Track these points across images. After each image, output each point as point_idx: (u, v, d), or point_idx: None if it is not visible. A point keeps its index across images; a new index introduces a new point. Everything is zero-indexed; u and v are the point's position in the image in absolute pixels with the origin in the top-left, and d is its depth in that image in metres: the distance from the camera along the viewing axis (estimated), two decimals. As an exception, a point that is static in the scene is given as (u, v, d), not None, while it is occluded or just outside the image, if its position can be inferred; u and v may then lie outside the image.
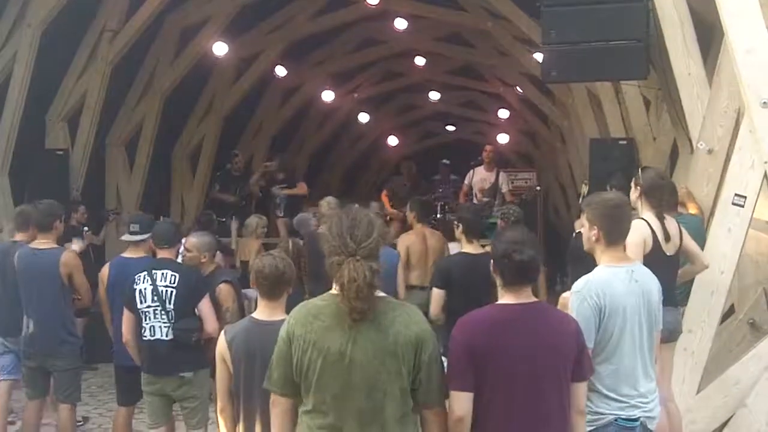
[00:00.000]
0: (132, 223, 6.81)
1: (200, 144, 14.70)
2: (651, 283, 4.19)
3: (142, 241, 6.60)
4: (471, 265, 6.48)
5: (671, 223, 5.70)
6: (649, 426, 4.11)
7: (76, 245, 8.71)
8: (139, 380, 6.17)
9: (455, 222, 7.06)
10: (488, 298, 6.09)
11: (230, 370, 4.35)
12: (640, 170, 6.03)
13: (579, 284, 4.08)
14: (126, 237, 6.76)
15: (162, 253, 6.14)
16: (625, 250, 4.31)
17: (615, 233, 4.15)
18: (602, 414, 4.02)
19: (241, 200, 13.18)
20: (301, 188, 13.31)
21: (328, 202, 8.58)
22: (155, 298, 5.80)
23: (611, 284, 4.04)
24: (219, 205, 12.74)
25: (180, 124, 14.42)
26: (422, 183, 14.04)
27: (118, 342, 6.48)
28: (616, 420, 4.02)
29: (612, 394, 4.02)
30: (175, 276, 5.83)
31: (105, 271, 6.69)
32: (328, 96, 17.16)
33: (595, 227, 4.16)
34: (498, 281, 3.60)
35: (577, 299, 4.02)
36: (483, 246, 6.72)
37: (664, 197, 5.77)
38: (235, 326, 4.52)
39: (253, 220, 10.41)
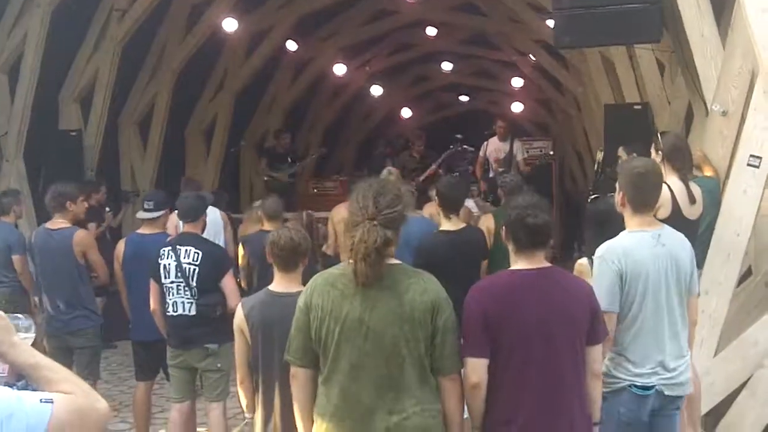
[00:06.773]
0: (146, 200, 6.81)
1: (213, 121, 14.69)
2: (680, 247, 4.14)
3: (157, 218, 6.63)
4: (452, 243, 6.15)
5: (695, 186, 5.66)
6: (668, 393, 4.06)
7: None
8: (155, 355, 6.26)
9: (433, 195, 6.45)
10: (470, 276, 6.04)
11: (248, 342, 4.37)
12: (659, 135, 5.98)
13: (601, 249, 4.09)
14: (141, 214, 6.77)
15: (187, 228, 6.15)
16: (654, 215, 4.28)
17: (638, 200, 4.14)
18: (618, 379, 4.03)
19: (290, 178, 13.71)
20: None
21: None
22: (179, 274, 5.83)
23: (633, 249, 4.03)
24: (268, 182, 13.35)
25: (192, 101, 14.39)
26: (430, 153, 13.85)
27: (134, 318, 6.55)
28: (630, 386, 4.02)
29: (631, 359, 4.02)
30: (198, 254, 5.85)
31: (120, 247, 6.72)
32: (340, 69, 17.04)
33: (622, 192, 4.18)
34: (510, 247, 3.60)
35: (599, 264, 4.04)
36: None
37: (687, 159, 5.73)
38: (252, 298, 4.56)
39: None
